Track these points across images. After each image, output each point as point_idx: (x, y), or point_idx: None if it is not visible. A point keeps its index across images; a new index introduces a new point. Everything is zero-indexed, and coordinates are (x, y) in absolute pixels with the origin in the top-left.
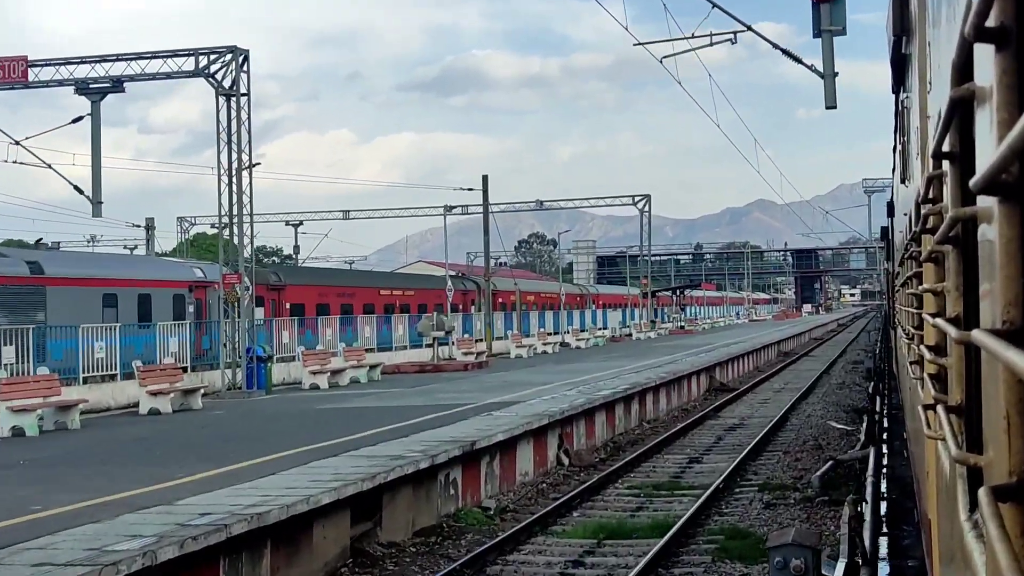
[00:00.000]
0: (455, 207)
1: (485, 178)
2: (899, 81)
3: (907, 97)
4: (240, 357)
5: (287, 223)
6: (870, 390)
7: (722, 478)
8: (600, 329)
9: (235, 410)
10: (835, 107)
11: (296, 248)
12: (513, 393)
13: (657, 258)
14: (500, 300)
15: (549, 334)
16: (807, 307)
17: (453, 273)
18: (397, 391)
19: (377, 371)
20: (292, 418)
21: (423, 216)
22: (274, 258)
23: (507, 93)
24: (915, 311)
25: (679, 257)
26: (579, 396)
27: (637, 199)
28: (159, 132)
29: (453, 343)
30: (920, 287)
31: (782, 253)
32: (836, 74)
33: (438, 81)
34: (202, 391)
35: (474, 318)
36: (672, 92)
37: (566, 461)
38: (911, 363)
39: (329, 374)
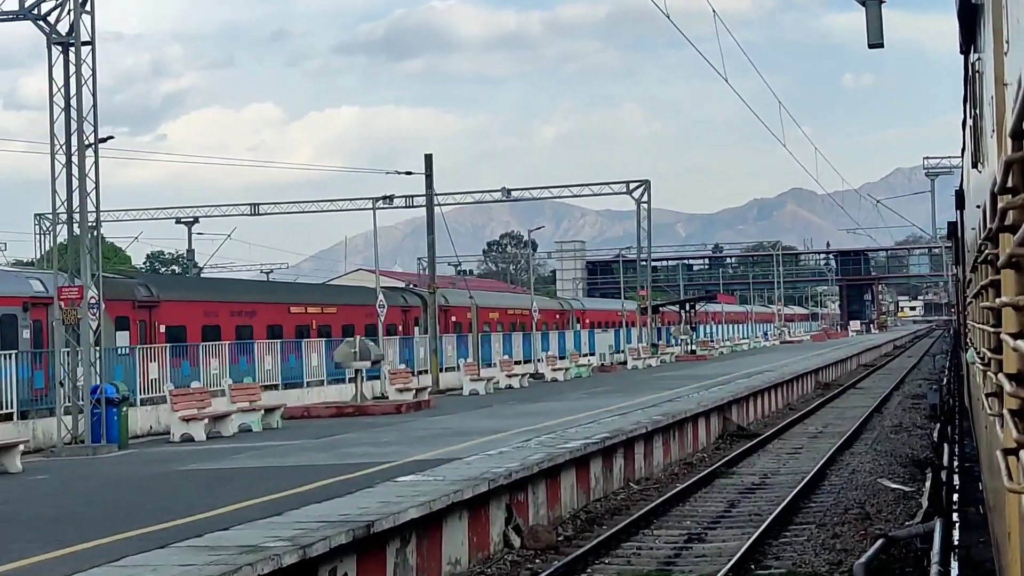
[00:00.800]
0: (396, 198)
1: (428, 158)
2: (969, 40)
3: (979, 59)
4: (83, 400)
5: (178, 220)
6: (935, 435)
7: (730, 565)
8: (585, 356)
9: (66, 473)
10: (880, 45)
11: (190, 253)
12: (451, 445)
13: (662, 263)
14: (454, 319)
15: (517, 363)
16: (855, 324)
17: (399, 284)
18: (296, 444)
19: (277, 416)
20: (135, 486)
21: (368, 211)
22: (174, 267)
23: (475, 56)
24: (991, 329)
25: (691, 261)
26: (538, 449)
27: (633, 186)
28: (33, 108)
29: (385, 376)
30: (997, 299)
31: (823, 256)
32: (883, 1)
33: (387, 41)
34: (21, 448)
35: (416, 343)
36: (684, 55)
37: (517, 542)
38: (987, 396)
39: (207, 421)
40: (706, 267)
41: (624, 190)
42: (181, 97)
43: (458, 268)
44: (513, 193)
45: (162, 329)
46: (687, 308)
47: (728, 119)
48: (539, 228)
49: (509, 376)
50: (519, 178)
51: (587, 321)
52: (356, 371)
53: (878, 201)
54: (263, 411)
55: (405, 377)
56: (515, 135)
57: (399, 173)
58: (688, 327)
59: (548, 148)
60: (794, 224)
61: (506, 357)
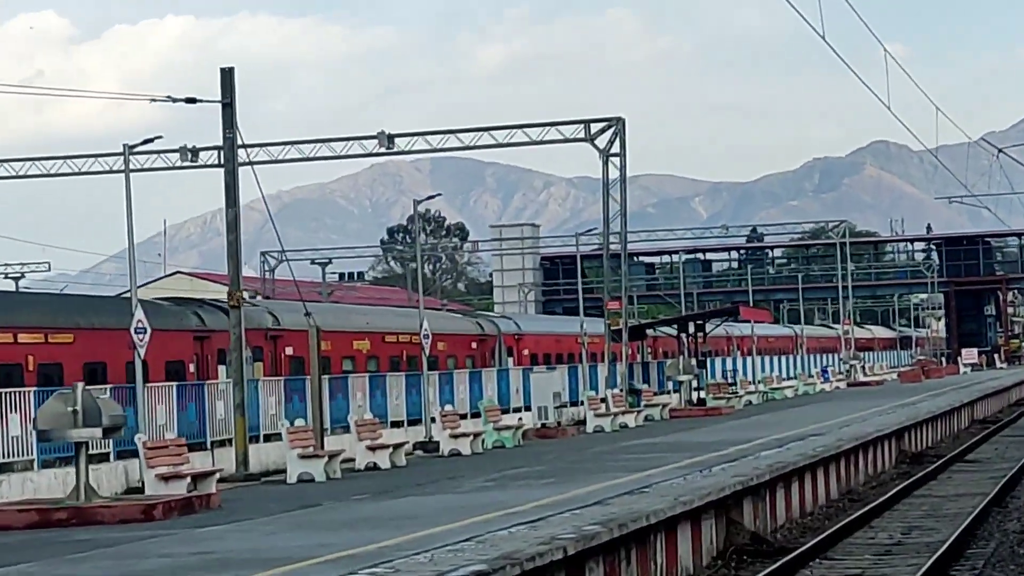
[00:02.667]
0: (203, 150)
1: (227, 75)
2: None
3: None
4: None
5: None
6: None
7: None
8: (516, 411)
9: None
10: None
11: None
12: None
13: (663, 258)
14: (290, 350)
15: (395, 424)
16: (969, 354)
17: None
18: None
19: None
20: None
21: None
22: None
23: None
24: None
25: (712, 255)
26: None
27: (596, 129)
28: None
29: (142, 454)
30: None
31: (921, 246)
32: None
33: None
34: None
35: (214, 394)
36: None
37: None
38: None
39: None
40: (734, 265)
41: (581, 134)
42: None
43: (346, 275)
44: (397, 143)
45: None
46: (690, 331)
47: (775, 35)
48: (431, 197)
49: (374, 448)
50: (446, 121)
51: (524, 353)
52: (77, 447)
53: (999, 151)
54: None
55: (176, 455)
56: (437, 59)
57: (171, 100)
58: (692, 361)
59: (489, 80)
60: (876, 196)
61: (371, 416)
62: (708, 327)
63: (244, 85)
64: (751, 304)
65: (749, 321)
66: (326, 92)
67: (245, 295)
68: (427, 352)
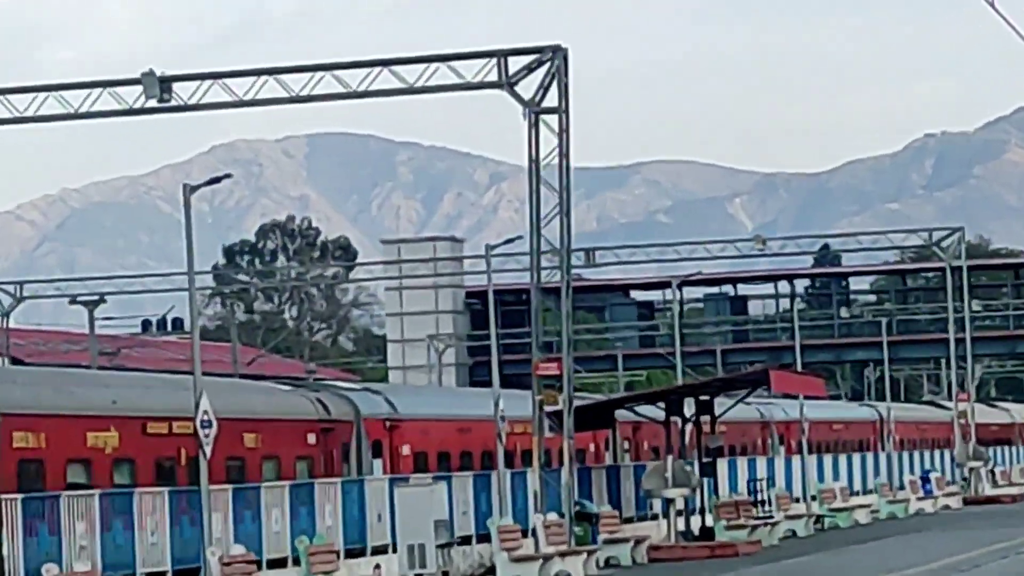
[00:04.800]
0: None
1: None
2: None
3: None
4: None
5: None
6: None
7: None
8: (370, 559)
9: None
10: None
11: None
12: None
13: (665, 295)
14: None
15: None
16: None
17: None
18: None
19: None
20: None
21: None
22: None
23: None
24: None
25: (744, 291)
26: None
27: (518, 69)
28: None
29: None
30: None
31: None
32: None
33: None
34: None
35: None
36: None
37: None
38: None
39: None
40: (789, 304)
41: (494, 76)
42: None
43: (154, 321)
44: (177, 90)
45: None
46: (688, 413)
47: None
48: (217, 180)
49: None
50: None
51: (403, 451)
52: None
53: None
54: None
55: None
56: None
57: None
58: (687, 465)
59: (385, 10)
60: (1021, 192)
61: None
62: (719, 406)
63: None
64: (799, 367)
65: (798, 395)
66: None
67: None
68: (207, 449)
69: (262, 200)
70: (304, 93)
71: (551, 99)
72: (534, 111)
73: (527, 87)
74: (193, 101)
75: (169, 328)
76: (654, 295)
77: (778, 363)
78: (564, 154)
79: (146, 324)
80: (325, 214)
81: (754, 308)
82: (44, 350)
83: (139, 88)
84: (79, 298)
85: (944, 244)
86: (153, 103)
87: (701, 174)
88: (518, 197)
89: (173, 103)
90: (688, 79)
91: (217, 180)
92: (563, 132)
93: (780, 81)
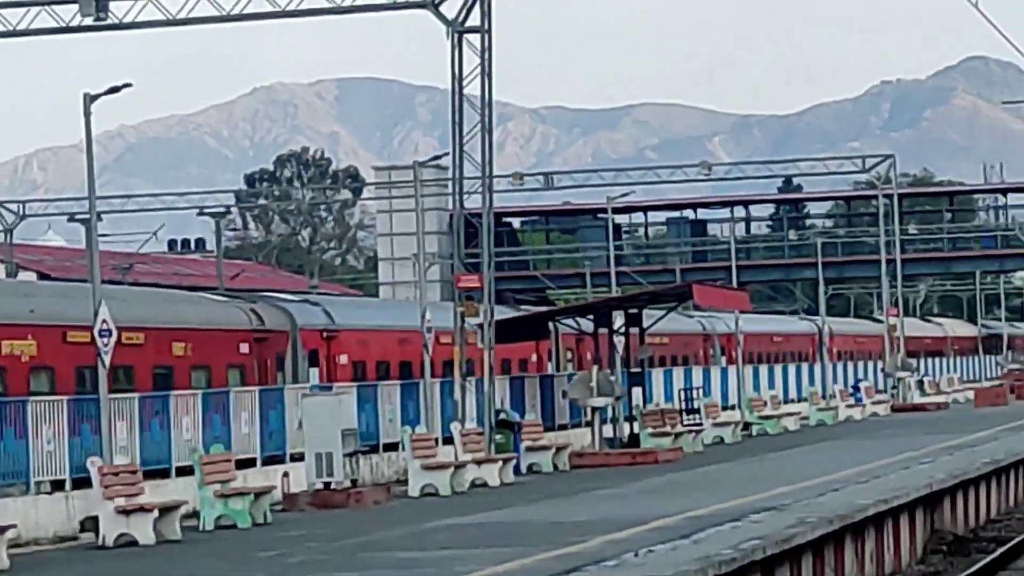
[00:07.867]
0: None
1: None
2: None
3: None
4: None
5: None
6: None
7: None
8: (280, 466)
9: None
10: None
11: None
12: None
13: (631, 219)
14: None
15: None
16: None
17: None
18: None
19: None
20: None
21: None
22: None
23: None
24: None
25: (704, 215)
26: None
27: None
28: None
29: None
30: None
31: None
32: None
33: None
34: None
35: None
36: None
37: None
38: None
39: None
40: (769, 224)
41: None
42: None
43: (178, 241)
44: (113, 9)
45: None
46: (616, 324)
47: None
48: (116, 89)
49: None
50: None
51: (341, 360)
52: None
53: None
54: None
55: None
56: None
57: None
58: (612, 374)
59: None
60: (970, 135)
61: None
62: (649, 318)
63: None
64: (736, 282)
65: (734, 310)
66: None
67: None
68: (106, 358)
69: (297, 137)
70: (236, 12)
71: (475, 17)
72: (457, 30)
73: (450, 8)
74: (128, 19)
75: (193, 247)
76: (622, 219)
77: (736, 282)
78: (487, 73)
79: (171, 243)
80: (352, 149)
81: (719, 235)
82: (54, 264)
83: (75, 7)
84: (76, 216)
85: (879, 171)
86: (89, 21)
87: (685, 115)
88: (523, 135)
89: (109, 22)
90: (659, 33)
91: (117, 89)
92: (484, 51)
93: (761, 28)
